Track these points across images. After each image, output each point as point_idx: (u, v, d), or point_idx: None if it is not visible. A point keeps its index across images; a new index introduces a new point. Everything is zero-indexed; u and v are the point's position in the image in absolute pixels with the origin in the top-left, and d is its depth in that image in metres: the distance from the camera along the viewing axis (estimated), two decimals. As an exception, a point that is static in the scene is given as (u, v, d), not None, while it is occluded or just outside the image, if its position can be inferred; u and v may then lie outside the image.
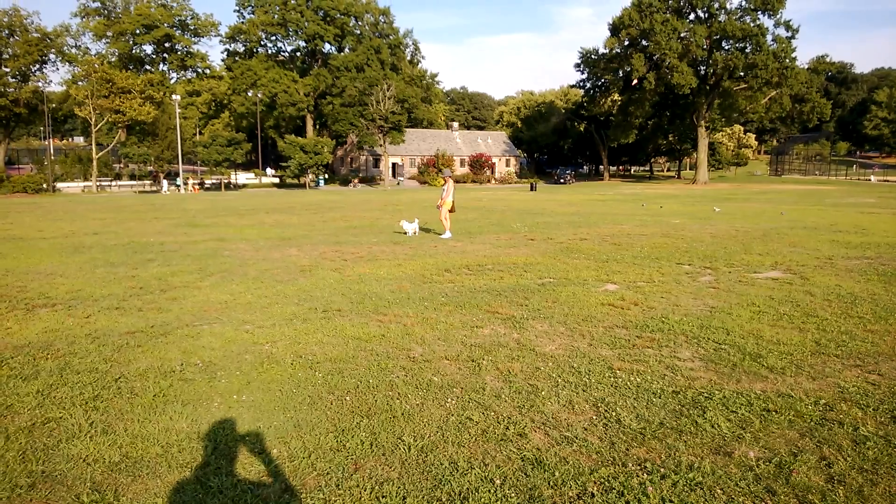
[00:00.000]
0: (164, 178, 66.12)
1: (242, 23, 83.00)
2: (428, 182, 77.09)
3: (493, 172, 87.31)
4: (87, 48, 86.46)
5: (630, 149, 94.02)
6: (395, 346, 6.81)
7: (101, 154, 67.09)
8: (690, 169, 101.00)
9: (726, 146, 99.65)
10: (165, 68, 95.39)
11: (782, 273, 11.19)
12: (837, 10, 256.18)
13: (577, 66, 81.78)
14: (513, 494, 3.82)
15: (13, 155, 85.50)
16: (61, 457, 4.31)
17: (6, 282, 10.81)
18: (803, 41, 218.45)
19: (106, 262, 13.05)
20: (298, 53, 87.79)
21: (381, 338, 7.10)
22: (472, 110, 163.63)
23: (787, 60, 67.18)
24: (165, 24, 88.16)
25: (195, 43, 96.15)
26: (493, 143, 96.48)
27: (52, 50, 71.14)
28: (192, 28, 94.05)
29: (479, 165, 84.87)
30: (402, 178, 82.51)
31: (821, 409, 5.03)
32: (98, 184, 64.02)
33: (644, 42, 69.94)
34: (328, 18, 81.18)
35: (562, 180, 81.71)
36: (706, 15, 69.49)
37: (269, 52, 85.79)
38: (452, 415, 4.98)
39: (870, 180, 77.92)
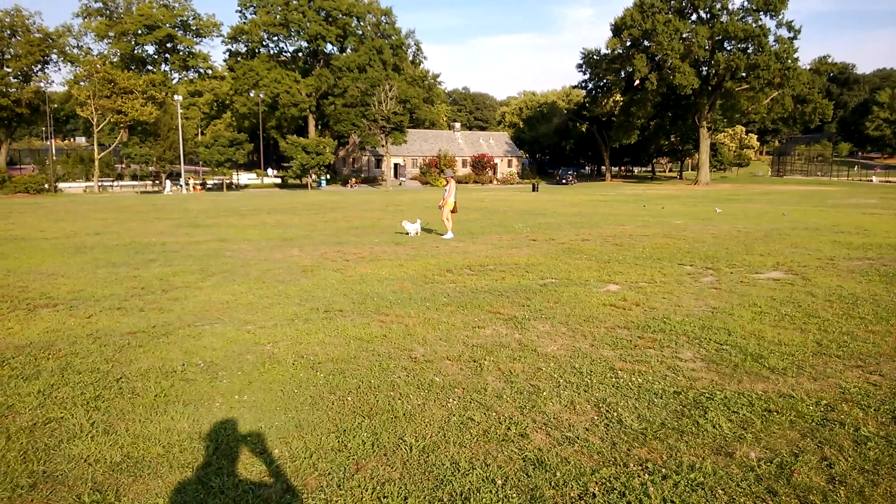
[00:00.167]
0: (167, 178, 66.19)
1: (244, 23, 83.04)
2: (430, 182, 77.09)
3: (494, 173, 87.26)
4: (89, 48, 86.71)
5: (632, 149, 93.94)
6: (397, 346, 6.81)
7: (102, 154, 67.20)
8: (692, 170, 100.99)
9: (728, 147, 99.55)
10: (167, 68, 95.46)
11: (784, 274, 11.18)
12: (839, 10, 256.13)
13: (579, 66, 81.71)
14: (514, 495, 3.82)
15: (15, 155, 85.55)
16: (62, 457, 4.32)
17: (8, 282, 10.82)
18: (805, 42, 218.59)
19: (107, 263, 13.06)
20: (300, 54, 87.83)
21: (383, 338, 7.10)
22: (473, 111, 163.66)
23: (789, 61, 67.09)
24: (167, 25, 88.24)
25: (197, 43, 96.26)
26: (495, 143, 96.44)
27: (54, 50, 71.18)
28: (194, 28, 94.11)
29: (481, 166, 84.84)
30: (404, 179, 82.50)
31: (822, 409, 5.02)
32: (100, 184, 64.11)
33: (646, 42, 69.87)
34: (330, 19, 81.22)
35: (564, 181, 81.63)
36: (708, 15, 69.42)
37: (271, 52, 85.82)
38: (454, 415, 4.98)
39: (871, 181, 77.85)
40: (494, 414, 5.00)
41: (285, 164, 71.54)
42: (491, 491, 3.86)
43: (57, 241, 17.30)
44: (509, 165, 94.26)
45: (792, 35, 67.95)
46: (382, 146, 72.98)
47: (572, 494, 3.82)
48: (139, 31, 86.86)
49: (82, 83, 65.25)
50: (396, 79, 76.75)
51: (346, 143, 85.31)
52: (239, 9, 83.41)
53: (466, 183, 78.65)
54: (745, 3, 67.91)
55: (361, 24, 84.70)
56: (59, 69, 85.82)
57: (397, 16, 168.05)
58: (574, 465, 4.16)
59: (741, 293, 9.45)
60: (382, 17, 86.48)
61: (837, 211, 27.58)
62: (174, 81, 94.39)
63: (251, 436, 4.63)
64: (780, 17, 67.55)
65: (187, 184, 64.49)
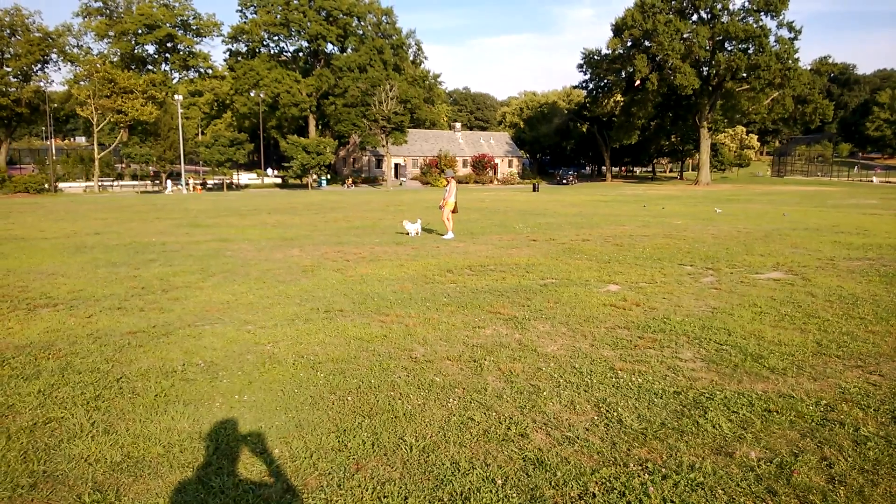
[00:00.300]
0: (167, 178, 66.22)
1: (245, 23, 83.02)
2: (430, 182, 77.10)
3: (495, 173, 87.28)
4: (89, 48, 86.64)
5: (632, 150, 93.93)
6: (397, 346, 6.81)
7: (102, 154, 67.21)
8: (693, 170, 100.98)
9: (729, 147, 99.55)
10: (167, 68, 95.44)
11: (784, 274, 11.18)
12: (839, 11, 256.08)
13: (580, 66, 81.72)
14: (514, 494, 3.82)
15: (15, 155, 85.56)
16: (63, 457, 4.32)
17: (8, 282, 10.83)
18: (806, 42, 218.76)
19: (108, 263, 13.07)
20: (301, 54, 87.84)
21: (383, 338, 7.10)
22: (474, 111, 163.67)
23: (790, 61, 67.10)
24: (167, 24, 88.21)
25: (197, 43, 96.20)
26: (496, 143, 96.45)
27: (54, 50, 71.21)
28: (194, 28, 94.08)
29: (482, 166, 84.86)
30: (404, 179, 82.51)
31: (822, 409, 5.03)
32: (100, 184, 64.11)
33: (647, 43, 69.86)
34: (331, 18, 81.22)
35: (564, 181, 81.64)
36: (709, 16, 69.42)
37: (272, 52, 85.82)
38: (454, 415, 4.98)
39: (872, 181, 77.84)
40: (494, 414, 5.00)
41: (286, 164, 71.54)
42: (491, 491, 3.86)
43: (57, 240, 17.30)
44: (510, 165, 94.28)
45: (792, 35, 67.99)
46: (383, 146, 72.98)
47: (572, 494, 3.83)
48: (139, 31, 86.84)
49: (82, 83, 65.24)
50: (397, 79, 76.75)
51: (347, 143, 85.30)
52: (239, 8, 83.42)
53: (467, 183, 78.66)
54: (746, 4, 67.95)
55: (362, 23, 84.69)
56: (59, 69, 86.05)
57: (398, 16, 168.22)
58: (574, 465, 4.16)
59: (741, 293, 9.46)
60: (383, 17, 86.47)
61: (838, 211, 27.58)
62: (174, 81, 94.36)
63: (251, 436, 4.64)
64: (780, 17, 67.60)
65: (187, 184, 64.49)
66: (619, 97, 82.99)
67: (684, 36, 67.84)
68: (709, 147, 78.01)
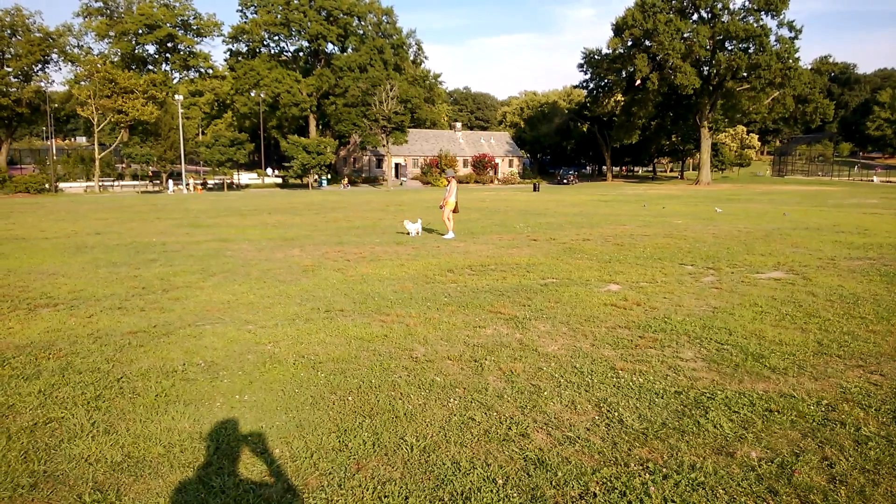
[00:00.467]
0: (169, 178, 66.24)
1: (245, 23, 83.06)
2: (431, 182, 77.11)
3: (496, 173, 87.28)
4: (90, 48, 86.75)
5: (633, 149, 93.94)
6: (398, 346, 6.81)
7: (103, 154, 67.25)
8: (693, 169, 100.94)
9: (729, 147, 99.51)
10: (168, 68, 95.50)
11: (785, 273, 11.17)
12: (840, 10, 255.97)
13: (580, 66, 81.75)
14: (515, 494, 3.82)
15: (15, 155, 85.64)
16: (63, 456, 4.32)
17: (8, 282, 10.83)
18: (806, 42, 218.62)
19: (108, 262, 13.07)
20: (301, 53, 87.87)
21: (384, 338, 7.10)
22: (475, 111, 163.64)
23: (791, 61, 67.10)
24: (168, 24, 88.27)
25: (198, 43, 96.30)
26: (496, 143, 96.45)
27: (55, 50, 71.24)
28: (194, 28, 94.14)
29: (482, 166, 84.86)
30: (405, 179, 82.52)
31: (823, 409, 5.02)
32: (100, 184, 64.15)
33: (647, 42, 69.86)
34: (331, 18, 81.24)
35: (565, 181, 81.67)
36: (709, 15, 69.41)
37: (272, 52, 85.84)
38: (455, 415, 4.98)
39: (872, 181, 77.83)
40: (495, 414, 5.00)
41: (286, 164, 71.56)
42: (492, 490, 3.86)
43: (57, 240, 17.31)
44: (510, 165, 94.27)
45: (793, 35, 67.98)
46: (383, 146, 72.99)
47: (573, 494, 3.82)
48: (140, 31, 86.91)
49: (83, 83, 65.31)
50: (397, 78, 76.76)
51: (347, 143, 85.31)
52: (240, 8, 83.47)
53: (467, 183, 78.67)
54: (747, 3, 67.94)
55: (362, 23, 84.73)
56: (60, 69, 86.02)
57: (398, 15, 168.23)
58: (575, 465, 4.16)
59: (742, 293, 9.45)
60: (383, 17, 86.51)
61: (838, 211, 27.56)
62: (175, 81, 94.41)
63: (252, 435, 4.63)
64: (781, 16, 67.59)
65: (187, 184, 64.52)
66: (619, 97, 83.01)
67: (685, 35, 67.85)
68: (709, 147, 78.00)
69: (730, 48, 69.40)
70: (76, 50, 79.63)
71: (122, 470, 4.14)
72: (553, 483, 3.95)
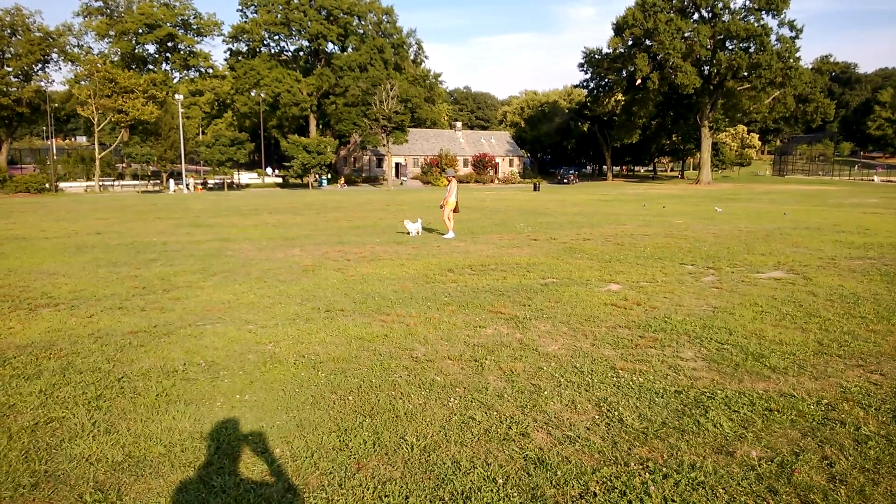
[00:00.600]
0: (170, 177, 66.25)
1: (245, 22, 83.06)
2: (431, 182, 77.12)
3: (496, 172, 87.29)
4: (90, 47, 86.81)
5: (633, 149, 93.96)
6: (398, 345, 6.82)
7: (103, 154, 67.28)
8: (694, 169, 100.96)
9: (730, 146, 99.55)
10: (168, 68, 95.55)
11: (785, 273, 11.18)
12: (841, 9, 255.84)
13: (581, 65, 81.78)
14: (515, 494, 3.82)
15: (16, 154, 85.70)
16: (64, 456, 4.32)
17: (9, 281, 10.84)
18: (807, 41, 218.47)
19: (109, 262, 13.07)
20: (301, 53, 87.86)
21: (384, 337, 7.10)
22: (475, 110, 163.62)
23: (791, 60, 67.12)
24: (168, 24, 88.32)
25: (198, 42, 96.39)
26: (497, 142, 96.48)
27: (55, 49, 71.30)
28: (194, 27, 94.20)
29: (483, 165, 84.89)
30: (405, 178, 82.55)
31: (823, 408, 5.03)
32: (101, 183, 64.17)
33: (648, 42, 69.88)
34: (331, 18, 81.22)
35: (565, 180, 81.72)
36: (710, 15, 69.41)
37: (272, 51, 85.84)
38: (455, 414, 4.98)
39: (873, 181, 77.82)
40: (496, 413, 5.00)
41: (286, 164, 71.57)
42: (492, 490, 3.86)
43: (58, 240, 17.31)
44: (511, 165, 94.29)
45: (794, 34, 68.01)
46: (384, 145, 73.01)
47: (573, 493, 3.83)
48: (140, 31, 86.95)
49: (83, 82, 65.35)
50: (398, 78, 76.77)
51: (348, 143, 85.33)
52: (240, 8, 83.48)
53: (468, 182, 78.68)
54: (747, 3, 67.98)
55: (362, 23, 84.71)
56: (60, 68, 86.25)
57: (398, 15, 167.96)
58: (575, 465, 4.16)
59: (742, 292, 9.45)
60: (384, 17, 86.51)
61: (839, 210, 27.56)
62: (175, 81, 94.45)
63: (252, 435, 4.64)
64: (781, 16, 67.63)
65: (187, 184, 64.54)
66: (620, 96, 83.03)
67: (685, 35, 67.86)
68: (710, 146, 78.02)
69: (730, 47, 69.41)
70: (76, 49, 79.74)
71: (122, 469, 4.15)
72: (553, 482, 3.95)
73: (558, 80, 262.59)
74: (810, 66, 73.96)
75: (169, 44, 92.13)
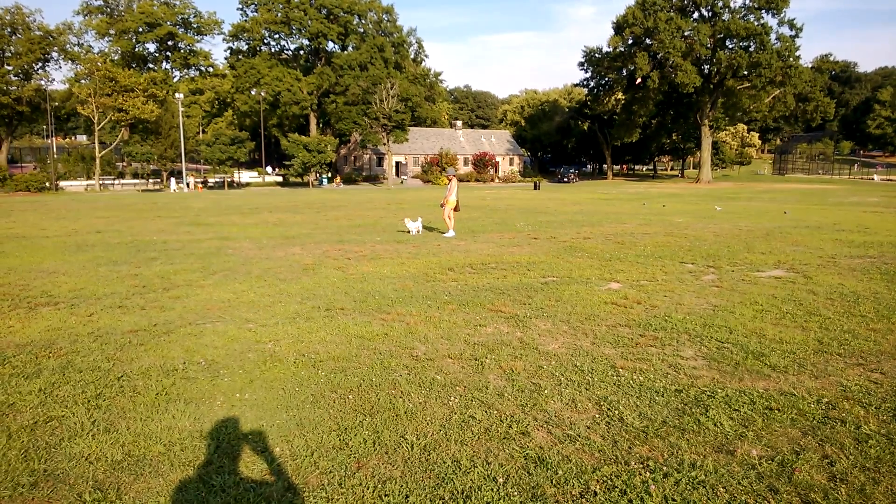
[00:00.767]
0: (171, 176, 66.25)
1: (245, 21, 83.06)
2: (431, 181, 77.11)
3: (496, 171, 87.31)
4: (90, 46, 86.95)
5: (634, 147, 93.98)
6: (399, 344, 6.81)
7: (104, 152, 67.26)
8: (694, 168, 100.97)
9: (730, 145, 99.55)
10: (168, 66, 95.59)
11: (785, 272, 11.17)
12: (841, 8, 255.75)
13: (581, 64, 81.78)
14: (515, 493, 3.82)
15: (16, 153, 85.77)
16: (63, 455, 4.32)
17: (9, 280, 10.83)
18: (807, 40, 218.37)
19: (109, 261, 13.07)
20: (302, 52, 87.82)
21: (385, 336, 7.10)
22: (475, 109, 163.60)
23: (791, 59, 67.10)
24: (168, 23, 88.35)
25: (198, 41, 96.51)
26: (497, 141, 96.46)
27: (55, 48, 71.33)
28: (195, 26, 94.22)
29: (483, 164, 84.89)
30: (405, 177, 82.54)
31: (823, 407, 5.02)
32: (101, 182, 64.17)
33: (648, 41, 69.87)
34: (331, 17, 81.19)
35: (565, 179, 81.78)
36: (710, 13, 69.39)
37: (273, 50, 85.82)
38: (455, 413, 4.98)
39: (873, 179, 77.81)
40: (496, 412, 5.00)
41: (287, 163, 71.58)
42: (492, 489, 3.86)
43: (58, 239, 17.31)
44: (511, 164, 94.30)
45: (794, 33, 68.02)
46: (384, 144, 73.04)
47: (574, 492, 3.82)
48: (140, 29, 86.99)
49: (83, 81, 65.36)
50: (398, 77, 76.77)
51: (348, 142, 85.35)
52: (240, 6, 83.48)
53: (468, 181, 78.67)
54: (747, 2, 67.98)
55: (363, 21, 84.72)
56: (60, 67, 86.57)
57: (398, 14, 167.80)
58: (575, 464, 4.16)
59: (742, 291, 9.45)
60: (384, 15, 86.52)
61: (839, 209, 27.56)
62: (175, 79, 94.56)
63: (252, 434, 4.63)
64: (781, 15, 67.62)
65: (188, 183, 64.54)
66: (620, 95, 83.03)
67: (685, 34, 67.85)
68: (710, 145, 78.03)
69: (730, 46, 69.39)
70: (76, 48, 79.79)
71: (122, 468, 4.14)
72: (553, 481, 3.95)
73: (558, 78, 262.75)
74: (810, 65, 73.98)
75: (169, 42, 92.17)
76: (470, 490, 3.85)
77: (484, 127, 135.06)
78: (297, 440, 4.52)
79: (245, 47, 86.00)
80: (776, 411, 4.94)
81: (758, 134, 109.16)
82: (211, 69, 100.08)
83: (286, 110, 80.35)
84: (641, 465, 4.12)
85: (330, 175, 76.99)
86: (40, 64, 70.23)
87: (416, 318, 7.91)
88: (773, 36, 67.16)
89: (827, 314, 7.97)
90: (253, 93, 77.80)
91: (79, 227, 20.82)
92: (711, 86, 71.64)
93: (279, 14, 79.95)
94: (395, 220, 22.44)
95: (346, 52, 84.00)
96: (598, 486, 3.87)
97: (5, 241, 16.71)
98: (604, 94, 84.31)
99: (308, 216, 25.38)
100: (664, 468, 4.07)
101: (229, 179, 70.28)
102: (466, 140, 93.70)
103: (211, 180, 70.98)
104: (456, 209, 17.91)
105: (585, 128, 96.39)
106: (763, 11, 67.48)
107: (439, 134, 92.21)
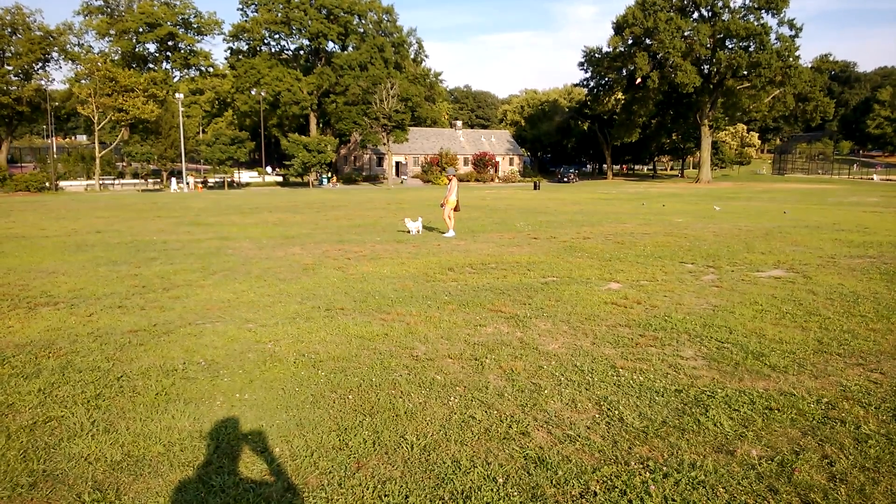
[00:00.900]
0: (171, 176, 66.24)
1: (245, 21, 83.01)
2: (431, 181, 77.11)
3: (496, 171, 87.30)
4: (90, 46, 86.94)
5: (633, 147, 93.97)
6: (399, 344, 6.81)
7: (104, 152, 67.25)
8: (694, 168, 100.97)
9: (729, 145, 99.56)
10: (168, 67, 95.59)
11: (785, 272, 11.17)
12: (841, 8, 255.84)
13: (581, 64, 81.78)
14: (515, 493, 3.82)
15: (16, 153, 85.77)
16: (63, 455, 4.32)
17: (8, 280, 10.83)
18: (806, 40, 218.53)
19: (108, 261, 13.07)
20: (302, 52, 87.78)
21: (385, 336, 7.10)
22: (475, 109, 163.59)
23: (791, 59, 67.12)
24: (168, 23, 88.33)
25: (198, 41, 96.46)
26: (497, 141, 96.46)
27: (55, 48, 71.34)
28: (195, 26, 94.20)
29: (483, 164, 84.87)
30: (405, 177, 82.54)
31: (823, 407, 5.02)
32: (101, 182, 64.16)
33: (648, 41, 69.88)
34: (331, 17, 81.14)
35: (565, 179, 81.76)
36: (710, 13, 69.41)
37: (273, 50, 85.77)
38: (455, 413, 4.97)
39: (872, 179, 77.80)
40: (496, 412, 5.00)
41: (287, 163, 71.58)
42: (492, 489, 3.85)
43: (58, 239, 17.31)
44: (511, 164, 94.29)
45: (793, 33, 68.04)
46: (384, 144, 73.04)
47: (573, 493, 3.82)
48: (140, 29, 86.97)
49: (83, 81, 65.35)
50: (398, 77, 76.76)
51: (348, 142, 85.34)
52: (240, 7, 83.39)
53: (468, 181, 78.66)
54: (747, 2, 68.01)
55: (363, 22, 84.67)
56: (60, 67, 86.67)
57: (399, 14, 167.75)
58: (575, 464, 4.16)
59: (742, 291, 9.45)
60: (384, 15, 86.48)
61: (838, 209, 27.56)
62: (175, 79, 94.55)
63: (252, 434, 4.63)
64: (781, 15, 67.65)
65: (188, 183, 64.55)
66: (620, 95, 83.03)
67: (685, 34, 67.87)
68: (710, 145, 78.05)
69: (730, 46, 69.41)
70: (76, 48, 79.79)
71: (121, 469, 4.14)
72: (553, 482, 3.94)
73: (558, 78, 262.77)
74: (810, 65, 74.00)
75: (169, 43, 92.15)
76: (470, 490, 3.85)
77: (484, 127, 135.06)
78: (296, 440, 4.52)
79: (245, 47, 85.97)
80: (776, 411, 4.94)
81: (757, 134, 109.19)
82: (211, 69, 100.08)
83: (286, 110, 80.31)
84: (641, 466, 4.11)
85: (330, 175, 76.98)
86: (40, 64, 70.25)
87: (416, 318, 7.91)
88: (772, 36, 67.24)
89: (826, 314, 7.97)
90: (253, 93, 77.75)
91: (78, 227, 20.81)
92: (711, 86, 71.65)
93: (279, 14, 79.91)
94: (395, 219, 22.44)
95: (346, 52, 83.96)
96: (597, 487, 3.87)
97: (5, 241, 16.70)
98: (604, 94, 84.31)
99: (308, 216, 25.38)
100: (664, 468, 4.07)
101: (229, 179, 70.27)
102: (466, 140, 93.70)
103: (211, 180, 70.96)
104: (456, 209, 17.91)
105: (585, 128, 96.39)
106: (763, 11, 67.51)
107: (439, 134, 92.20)
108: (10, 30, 66.51)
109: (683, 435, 4.55)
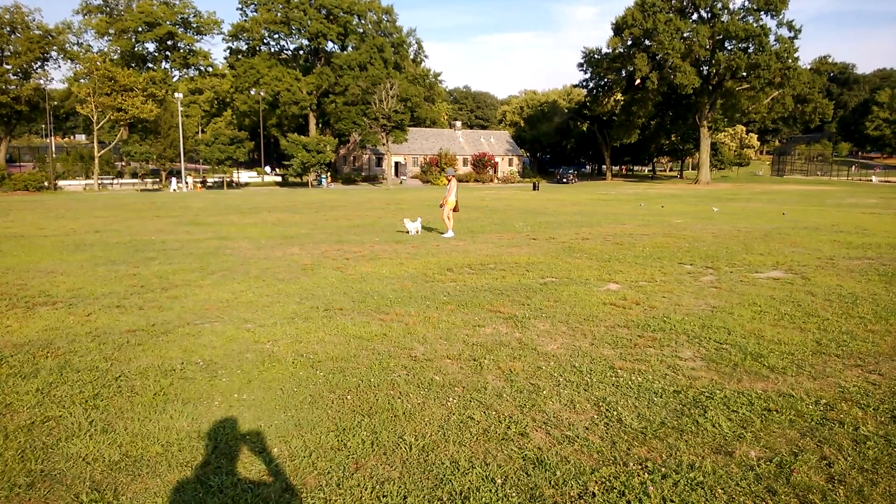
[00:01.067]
0: (171, 176, 66.19)
1: (245, 21, 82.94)
2: (431, 181, 77.11)
3: (495, 172, 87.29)
4: (89, 46, 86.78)
5: (633, 149, 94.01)
6: (397, 345, 6.80)
7: (102, 152, 67.16)
8: (693, 169, 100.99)
9: (728, 146, 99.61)
10: (168, 66, 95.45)
11: (784, 273, 11.17)
12: (839, 10, 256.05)
13: (580, 65, 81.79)
14: (514, 494, 3.81)
15: (15, 152, 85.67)
16: (60, 455, 4.31)
17: (7, 279, 10.82)
18: (806, 41, 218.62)
19: (107, 261, 13.05)
20: (301, 52, 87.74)
21: (383, 337, 7.09)
22: (474, 109, 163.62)
23: (790, 61, 67.16)
24: (168, 22, 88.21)
25: (198, 41, 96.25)
26: (496, 142, 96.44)
27: (54, 47, 71.28)
28: (194, 26, 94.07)
29: (482, 165, 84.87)
30: (404, 177, 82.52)
31: (821, 408, 5.02)
32: (100, 182, 64.10)
33: (647, 42, 69.93)
34: (331, 17, 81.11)
35: (564, 180, 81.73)
36: (709, 15, 69.45)
37: (272, 50, 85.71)
38: (454, 414, 4.97)
39: (871, 181, 77.87)
40: (494, 413, 4.99)
41: (286, 163, 71.54)
42: (490, 490, 3.85)
43: (56, 238, 17.29)
44: (510, 164, 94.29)
45: (792, 35, 68.06)
46: (383, 144, 72.99)
47: (572, 493, 3.82)
48: (139, 29, 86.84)
49: (82, 80, 65.32)
50: (397, 77, 76.72)
51: (347, 142, 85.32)
52: (240, 6, 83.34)
53: (467, 182, 78.66)
54: (746, 3, 68.03)
55: (362, 22, 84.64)
56: (59, 66, 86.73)
57: (398, 14, 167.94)
58: (574, 464, 4.15)
59: (741, 292, 9.45)
60: (383, 16, 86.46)
61: (837, 210, 27.57)
62: (174, 79, 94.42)
63: (250, 434, 4.63)
64: (780, 16, 67.71)
65: (186, 182, 64.50)
66: (619, 96, 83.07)
67: (684, 35, 67.89)
68: (709, 146, 78.09)
69: (729, 48, 69.46)
70: (76, 47, 79.69)
71: (119, 469, 4.13)
72: (552, 482, 3.94)
73: (558, 79, 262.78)
74: (809, 67, 73.99)
75: (168, 42, 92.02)
76: (468, 491, 3.84)
77: (483, 127, 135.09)
78: (295, 441, 4.52)
79: (245, 47, 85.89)
80: (774, 412, 4.94)
81: (756, 135, 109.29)
82: (210, 69, 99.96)
83: (285, 110, 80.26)
84: (640, 466, 4.11)
85: (329, 175, 76.94)
86: (39, 63, 70.19)
87: (414, 319, 7.90)
88: (771, 37, 67.26)
89: (825, 315, 7.97)
90: (252, 93, 77.72)
91: (77, 227, 20.79)
92: (710, 87, 71.69)
93: (279, 14, 79.86)
94: (394, 220, 22.44)
95: (345, 52, 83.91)
96: (596, 487, 3.87)
97: (3, 241, 16.69)
98: (603, 95, 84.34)
99: (307, 216, 25.37)
100: (662, 469, 4.07)
101: (228, 179, 70.20)
102: (466, 140, 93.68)
103: (210, 180, 70.89)
104: (455, 209, 17.91)
105: (584, 129, 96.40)
106: (762, 13, 67.55)
107: (438, 134, 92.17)
108: (8, 28, 66.45)
109: (682, 436, 4.55)
